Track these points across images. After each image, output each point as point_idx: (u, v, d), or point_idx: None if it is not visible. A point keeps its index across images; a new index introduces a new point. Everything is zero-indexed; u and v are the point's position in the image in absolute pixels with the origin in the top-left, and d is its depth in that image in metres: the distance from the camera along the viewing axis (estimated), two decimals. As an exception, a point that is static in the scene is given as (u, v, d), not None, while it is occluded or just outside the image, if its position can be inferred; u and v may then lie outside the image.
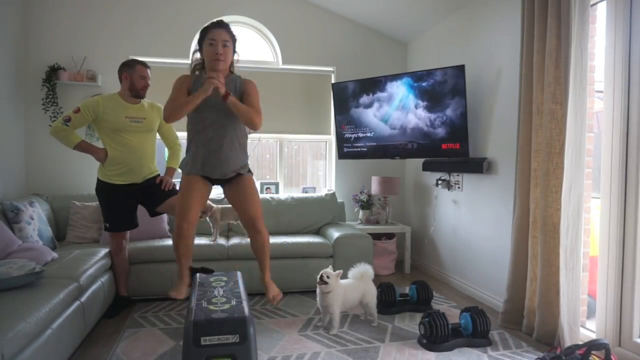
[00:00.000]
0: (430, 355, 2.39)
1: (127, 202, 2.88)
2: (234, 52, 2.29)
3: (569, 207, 2.35)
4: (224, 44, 2.18)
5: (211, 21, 2.26)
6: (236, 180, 2.36)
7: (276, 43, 4.31)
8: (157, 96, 4.00)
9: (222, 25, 2.21)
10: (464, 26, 3.60)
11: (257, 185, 4.29)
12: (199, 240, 3.33)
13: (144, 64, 2.85)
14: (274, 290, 2.43)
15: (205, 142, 2.27)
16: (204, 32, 2.22)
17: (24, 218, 2.88)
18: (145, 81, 2.84)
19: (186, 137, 2.37)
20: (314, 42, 4.38)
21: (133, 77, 2.80)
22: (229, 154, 2.29)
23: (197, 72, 2.35)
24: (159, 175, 3.00)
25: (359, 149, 4.14)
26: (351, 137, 4.16)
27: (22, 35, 3.76)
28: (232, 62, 2.33)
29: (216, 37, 2.16)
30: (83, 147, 2.78)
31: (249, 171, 2.41)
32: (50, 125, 3.38)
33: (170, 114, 2.17)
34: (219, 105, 2.22)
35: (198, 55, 2.34)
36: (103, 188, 2.85)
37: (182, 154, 2.64)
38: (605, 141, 2.33)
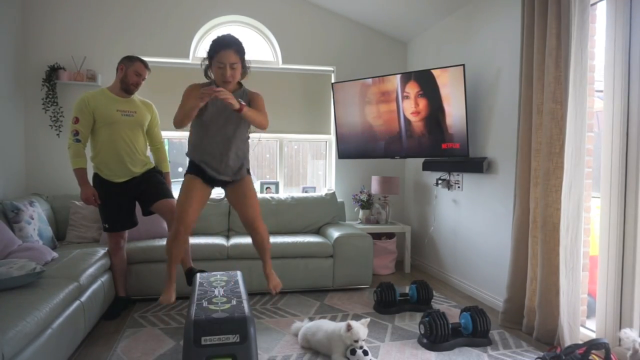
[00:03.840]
0: (430, 354, 2.39)
1: (124, 200, 2.86)
2: (243, 67, 2.28)
3: (569, 207, 2.35)
4: (232, 66, 2.19)
5: (220, 37, 2.23)
6: (237, 183, 2.41)
7: (276, 43, 4.31)
8: (157, 96, 4.01)
9: (230, 46, 2.19)
10: (464, 26, 3.60)
11: (257, 185, 4.30)
12: (199, 240, 3.33)
13: (145, 63, 2.85)
14: (274, 281, 2.51)
15: (210, 150, 2.31)
16: (213, 51, 2.21)
17: (24, 218, 2.88)
18: (138, 79, 2.82)
19: (188, 141, 2.39)
20: (314, 42, 4.38)
21: (128, 70, 2.80)
22: (234, 161, 2.35)
23: (206, 81, 2.36)
24: (155, 167, 2.99)
25: (358, 149, 4.14)
26: (351, 137, 4.16)
27: (22, 35, 3.76)
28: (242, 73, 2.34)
29: (224, 60, 2.17)
30: (78, 174, 2.75)
31: (249, 172, 2.46)
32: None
33: (178, 122, 2.22)
34: (224, 115, 2.27)
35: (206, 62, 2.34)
36: (100, 185, 2.83)
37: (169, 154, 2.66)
38: (605, 141, 2.33)
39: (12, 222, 2.81)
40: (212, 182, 2.38)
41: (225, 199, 3.80)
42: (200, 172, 2.34)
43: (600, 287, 2.36)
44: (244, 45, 2.28)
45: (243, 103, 2.17)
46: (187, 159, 2.42)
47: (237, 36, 2.28)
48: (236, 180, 2.39)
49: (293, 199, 3.99)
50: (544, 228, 2.52)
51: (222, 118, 2.28)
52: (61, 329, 2.07)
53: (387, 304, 3.00)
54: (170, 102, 4.12)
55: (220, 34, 2.28)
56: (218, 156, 2.31)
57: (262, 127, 2.31)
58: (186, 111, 2.19)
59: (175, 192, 3.12)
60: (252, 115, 2.22)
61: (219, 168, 2.32)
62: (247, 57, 2.31)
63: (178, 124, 2.21)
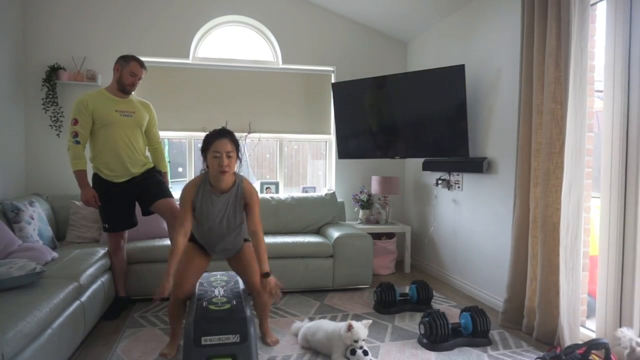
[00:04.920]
0: (430, 354, 2.39)
1: (124, 201, 2.86)
2: (238, 158, 2.28)
3: (569, 207, 2.35)
4: (228, 155, 2.19)
5: (213, 130, 2.25)
6: (237, 253, 2.45)
7: (276, 43, 4.31)
8: (157, 96, 4.02)
9: (225, 135, 2.21)
10: (464, 26, 3.60)
11: (257, 185, 4.30)
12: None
13: (140, 62, 2.83)
14: (272, 336, 2.53)
15: (207, 239, 2.36)
16: (208, 143, 2.22)
17: (24, 218, 2.88)
18: (134, 79, 2.81)
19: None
20: (314, 42, 4.38)
21: (124, 71, 2.79)
22: (234, 245, 2.40)
23: (201, 182, 2.32)
24: (154, 167, 2.99)
25: (359, 149, 4.14)
26: (351, 137, 4.16)
27: (22, 35, 3.76)
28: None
29: (220, 149, 2.17)
30: (79, 176, 2.75)
31: (247, 240, 2.49)
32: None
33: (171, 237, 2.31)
34: (222, 210, 2.29)
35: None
36: (100, 185, 2.83)
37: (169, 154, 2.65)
38: (605, 141, 2.33)
39: (12, 222, 2.81)
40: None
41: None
42: (199, 243, 2.41)
43: (600, 287, 2.36)
44: (236, 138, 2.29)
45: (267, 273, 2.26)
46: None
47: (228, 130, 2.30)
48: (236, 252, 2.45)
49: (293, 199, 3.99)
50: (544, 228, 2.52)
51: (217, 215, 2.29)
52: (61, 329, 2.07)
53: (387, 304, 3.00)
54: (170, 102, 4.12)
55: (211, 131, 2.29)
56: (215, 243, 2.36)
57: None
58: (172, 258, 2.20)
59: (174, 192, 3.13)
60: (261, 256, 2.28)
61: (217, 250, 2.39)
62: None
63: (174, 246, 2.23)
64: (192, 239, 2.40)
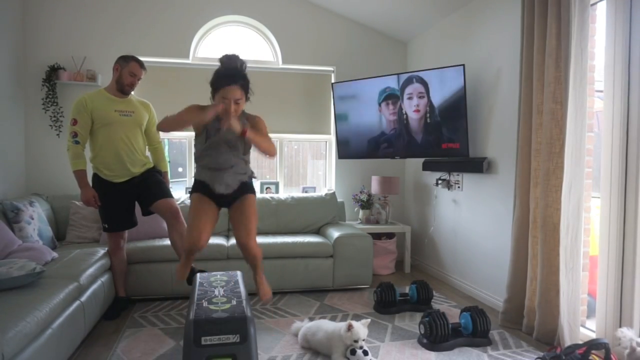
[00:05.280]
0: (430, 354, 2.39)
1: (124, 200, 2.86)
2: (247, 99, 2.24)
3: (569, 207, 2.35)
4: (237, 101, 2.15)
5: (226, 67, 2.18)
6: (240, 199, 2.38)
7: (276, 43, 4.31)
8: (157, 96, 4.01)
9: (236, 80, 2.14)
10: (464, 25, 3.60)
11: (257, 185, 4.29)
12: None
13: (140, 62, 2.83)
14: (263, 289, 2.42)
15: (214, 171, 2.30)
16: (217, 84, 2.16)
17: (24, 218, 2.88)
18: (133, 79, 2.81)
19: (194, 161, 2.39)
20: (314, 42, 4.38)
21: (123, 71, 2.79)
22: (237, 177, 2.34)
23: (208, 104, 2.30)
24: (154, 167, 2.99)
25: (359, 149, 4.14)
26: (351, 137, 4.16)
27: (22, 35, 3.76)
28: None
29: (229, 95, 2.12)
30: (78, 175, 2.75)
31: (254, 191, 2.44)
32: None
33: (166, 123, 2.17)
34: (227, 139, 2.25)
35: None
36: (100, 185, 2.83)
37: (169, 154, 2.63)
38: (605, 141, 2.33)
39: (12, 222, 2.81)
40: (218, 201, 2.36)
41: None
42: (205, 190, 2.33)
43: (600, 287, 2.36)
44: (248, 76, 2.22)
45: (245, 127, 2.15)
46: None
47: (242, 62, 2.22)
48: (238, 195, 2.37)
49: (293, 199, 3.99)
50: (544, 228, 2.52)
51: (222, 141, 2.26)
52: (61, 329, 2.07)
53: (387, 304, 3.00)
54: (170, 102, 4.12)
55: (226, 57, 2.21)
56: (220, 171, 2.29)
57: (268, 152, 2.27)
58: (184, 119, 2.16)
59: (175, 191, 3.13)
60: (257, 139, 2.20)
61: (223, 182, 2.30)
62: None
63: (165, 127, 2.17)
64: (196, 188, 2.35)
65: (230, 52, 2.26)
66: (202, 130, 2.29)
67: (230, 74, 2.16)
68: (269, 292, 2.44)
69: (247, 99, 2.24)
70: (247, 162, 2.39)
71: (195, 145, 2.38)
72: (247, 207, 2.37)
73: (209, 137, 2.27)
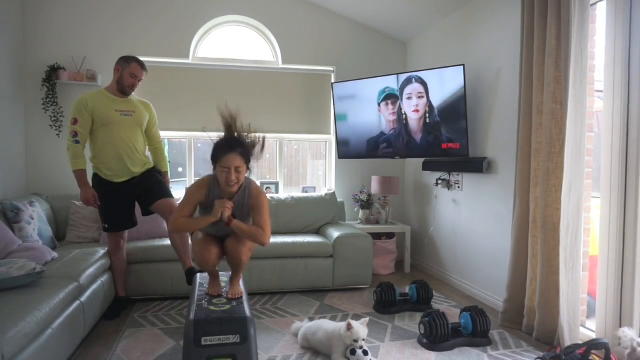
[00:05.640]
0: (430, 354, 2.39)
1: (124, 200, 2.86)
2: (248, 169, 2.21)
3: (569, 207, 2.35)
4: (237, 169, 2.11)
5: (224, 140, 2.14)
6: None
7: (276, 43, 4.30)
8: (157, 96, 4.01)
9: (234, 149, 2.10)
10: (464, 26, 3.60)
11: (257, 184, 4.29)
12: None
13: (141, 63, 2.83)
14: (234, 289, 2.26)
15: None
16: (216, 155, 2.13)
17: (24, 218, 2.88)
18: (134, 80, 2.81)
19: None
20: (314, 42, 4.38)
21: (124, 72, 2.79)
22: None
23: (212, 183, 2.25)
24: (154, 167, 2.99)
25: (358, 149, 4.14)
26: (351, 137, 4.16)
27: (22, 35, 3.76)
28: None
29: (228, 164, 2.09)
30: (78, 175, 2.74)
31: None
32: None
33: (176, 229, 2.19)
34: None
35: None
36: (100, 185, 2.83)
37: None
38: (605, 141, 2.33)
39: (12, 222, 2.81)
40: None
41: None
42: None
43: (600, 287, 2.36)
44: (247, 149, 2.18)
45: (232, 219, 2.13)
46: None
47: (239, 137, 2.19)
48: None
49: (293, 199, 3.99)
50: (544, 228, 2.52)
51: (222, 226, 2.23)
52: (61, 329, 2.07)
53: (387, 304, 3.00)
54: (170, 103, 4.12)
55: (223, 138, 2.18)
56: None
57: (258, 243, 2.20)
58: (190, 225, 2.16)
59: (175, 192, 3.13)
60: (243, 231, 2.15)
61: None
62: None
63: (176, 231, 2.22)
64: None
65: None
66: (203, 208, 2.27)
67: (228, 143, 2.13)
68: (240, 292, 2.29)
69: (248, 168, 2.20)
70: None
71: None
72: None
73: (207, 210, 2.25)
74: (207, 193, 2.21)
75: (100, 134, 2.77)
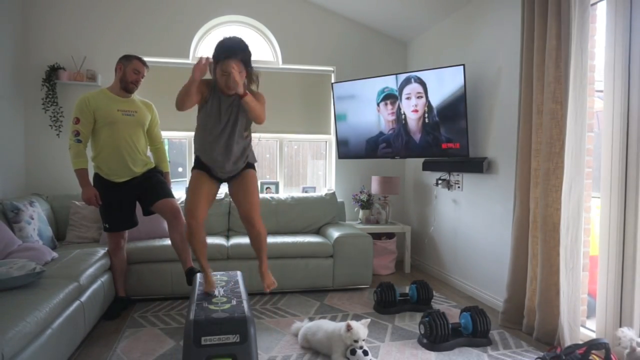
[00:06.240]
0: (430, 354, 2.39)
1: (125, 200, 2.86)
2: (249, 75, 2.22)
3: (569, 207, 2.35)
4: (238, 73, 2.12)
5: (227, 41, 2.16)
6: (240, 175, 2.36)
7: (276, 43, 4.30)
8: (157, 96, 4.01)
9: (236, 53, 2.12)
10: (464, 26, 3.60)
11: (257, 185, 4.29)
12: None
13: (142, 60, 2.85)
14: (268, 279, 2.39)
15: (210, 148, 2.27)
16: (218, 57, 2.14)
17: (24, 218, 2.88)
18: (137, 76, 2.82)
19: (193, 140, 2.37)
20: (314, 42, 4.38)
21: (127, 69, 2.80)
22: (237, 155, 2.30)
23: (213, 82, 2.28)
24: (155, 167, 2.99)
25: (358, 149, 4.14)
26: (351, 137, 4.16)
27: (22, 35, 3.76)
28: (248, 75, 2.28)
29: (228, 68, 2.10)
30: (80, 174, 2.75)
31: (253, 167, 2.41)
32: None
33: (179, 101, 2.17)
34: (228, 110, 2.23)
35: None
36: (101, 185, 2.83)
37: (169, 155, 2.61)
38: (605, 141, 2.33)
39: (12, 222, 2.81)
40: (218, 178, 2.35)
41: (226, 198, 3.80)
42: (205, 168, 2.31)
43: (600, 287, 2.35)
44: (250, 49, 2.19)
45: (247, 92, 2.14)
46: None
47: (243, 40, 2.19)
48: (237, 172, 2.34)
49: (293, 199, 3.98)
50: (544, 228, 2.52)
51: (224, 114, 2.23)
52: (61, 329, 2.07)
53: (387, 304, 3.00)
54: (170, 103, 4.11)
55: (227, 37, 2.20)
56: (220, 156, 2.26)
57: (259, 119, 2.23)
58: (187, 86, 2.14)
59: (175, 192, 3.13)
60: (252, 103, 2.16)
61: (223, 163, 2.28)
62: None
63: (179, 103, 2.16)
64: (196, 165, 2.34)
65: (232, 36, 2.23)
66: (202, 105, 2.26)
67: (230, 46, 2.14)
68: (273, 283, 2.40)
69: (249, 75, 2.22)
70: (247, 145, 2.35)
71: (197, 125, 2.32)
72: (248, 182, 2.36)
73: (209, 116, 2.23)
74: (208, 86, 2.20)
75: (102, 133, 2.77)
